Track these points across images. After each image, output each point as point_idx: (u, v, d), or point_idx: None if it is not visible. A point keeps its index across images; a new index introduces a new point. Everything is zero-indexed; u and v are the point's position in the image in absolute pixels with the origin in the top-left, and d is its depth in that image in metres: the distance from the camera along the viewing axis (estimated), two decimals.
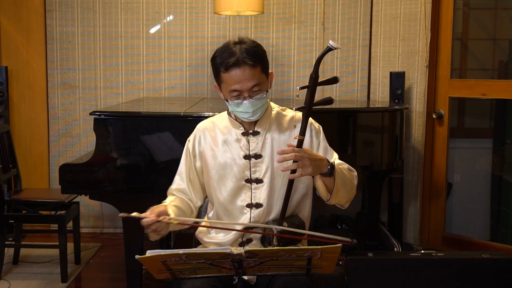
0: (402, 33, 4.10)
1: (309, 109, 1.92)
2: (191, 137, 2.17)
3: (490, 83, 3.92)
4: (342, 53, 4.37)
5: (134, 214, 1.87)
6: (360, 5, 4.34)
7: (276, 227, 1.96)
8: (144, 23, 4.38)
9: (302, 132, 1.92)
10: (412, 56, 4.06)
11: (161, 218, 1.87)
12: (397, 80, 3.95)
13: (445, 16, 3.93)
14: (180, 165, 2.18)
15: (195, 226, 2.16)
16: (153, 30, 4.39)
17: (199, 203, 2.18)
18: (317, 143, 2.10)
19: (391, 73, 4.00)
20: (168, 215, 1.94)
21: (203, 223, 2.12)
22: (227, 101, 2.02)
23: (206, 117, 2.29)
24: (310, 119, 2.07)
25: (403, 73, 3.97)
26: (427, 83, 3.97)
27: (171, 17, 4.38)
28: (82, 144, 4.44)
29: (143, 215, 1.87)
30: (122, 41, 4.38)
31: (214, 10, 3.89)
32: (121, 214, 1.85)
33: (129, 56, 4.39)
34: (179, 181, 2.17)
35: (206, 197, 2.22)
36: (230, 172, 2.08)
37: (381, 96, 4.25)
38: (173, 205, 2.06)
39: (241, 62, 1.93)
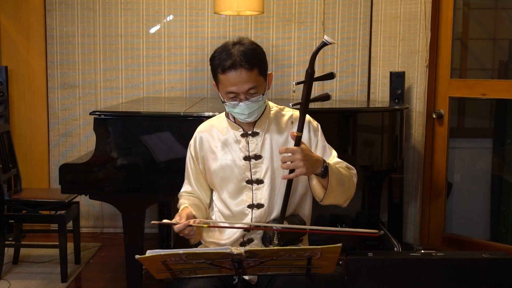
0: (402, 33, 4.10)
1: (306, 105, 1.92)
2: (191, 142, 2.19)
3: (490, 83, 3.92)
4: (342, 53, 4.37)
5: (165, 220, 1.90)
6: (360, 5, 4.33)
7: (277, 226, 1.96)
8: (144, 23, 4.37)
9: (300, 129, 1.92)
10: (412, 56, 4.06)
11: (191, 222, 1.89)
12: (397, 80, 3.95)
13: (445, 16, 3.93)
14: (186, 169, 2.20)
15: (220, 227, 2.12)
16: (153, 30, 4.38)
17: (208, 201, 2.20)
18: (316, 141, 2.10)
19: (391, 73, 4.00)
20: (195, 217, 1.97)
21: (237, 225, 2.08)
22: (224, 102, 2.02)
23: (206, 117, 2.29)
24: (309, 117, 2.07)
25: (403, 73, 3.97)
26: (427, 83, 3.97)
27: (171, 17, 4.38)
28: (82, 144, 4.44)
29: (173, 221, 1.90)
30: (122, 41, 4.38)
31: (214, 10, 3.89)
32: (153, 222, 1.89)
33: (129, 56, 4.39)
34: (187, 185, 2.20)
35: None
36: (231, 174, 2.08)
37: (381, 96, 4.25)
38: (193, 205, 2.08)
39: (238, 65, 1.93)
